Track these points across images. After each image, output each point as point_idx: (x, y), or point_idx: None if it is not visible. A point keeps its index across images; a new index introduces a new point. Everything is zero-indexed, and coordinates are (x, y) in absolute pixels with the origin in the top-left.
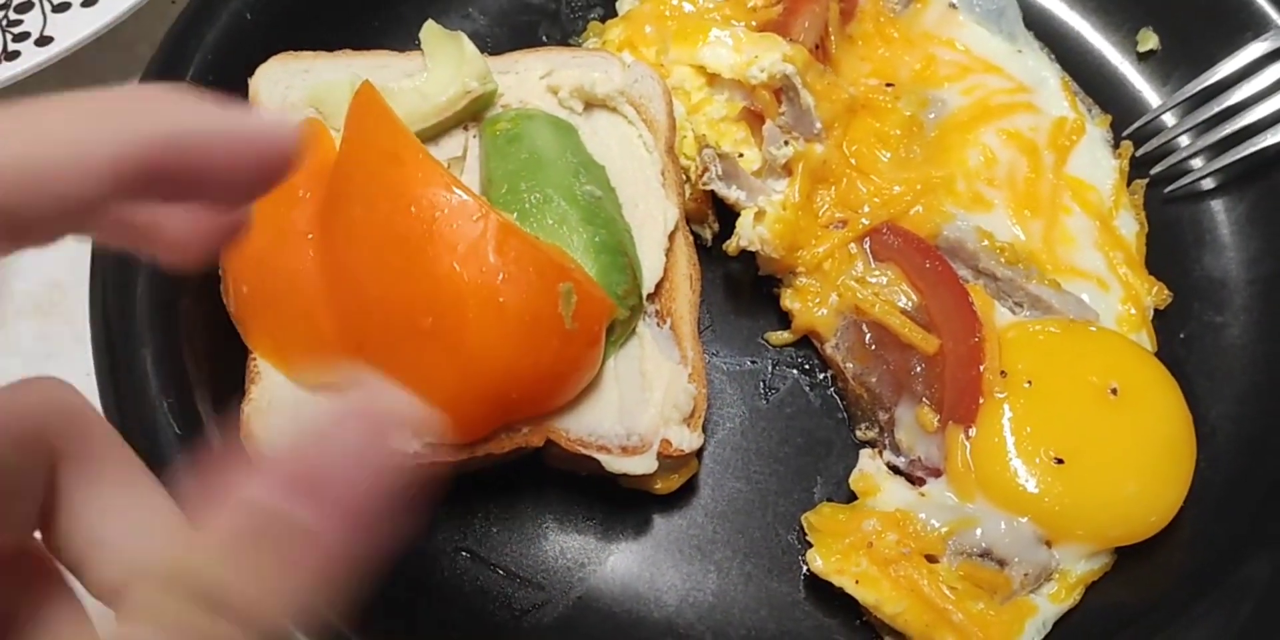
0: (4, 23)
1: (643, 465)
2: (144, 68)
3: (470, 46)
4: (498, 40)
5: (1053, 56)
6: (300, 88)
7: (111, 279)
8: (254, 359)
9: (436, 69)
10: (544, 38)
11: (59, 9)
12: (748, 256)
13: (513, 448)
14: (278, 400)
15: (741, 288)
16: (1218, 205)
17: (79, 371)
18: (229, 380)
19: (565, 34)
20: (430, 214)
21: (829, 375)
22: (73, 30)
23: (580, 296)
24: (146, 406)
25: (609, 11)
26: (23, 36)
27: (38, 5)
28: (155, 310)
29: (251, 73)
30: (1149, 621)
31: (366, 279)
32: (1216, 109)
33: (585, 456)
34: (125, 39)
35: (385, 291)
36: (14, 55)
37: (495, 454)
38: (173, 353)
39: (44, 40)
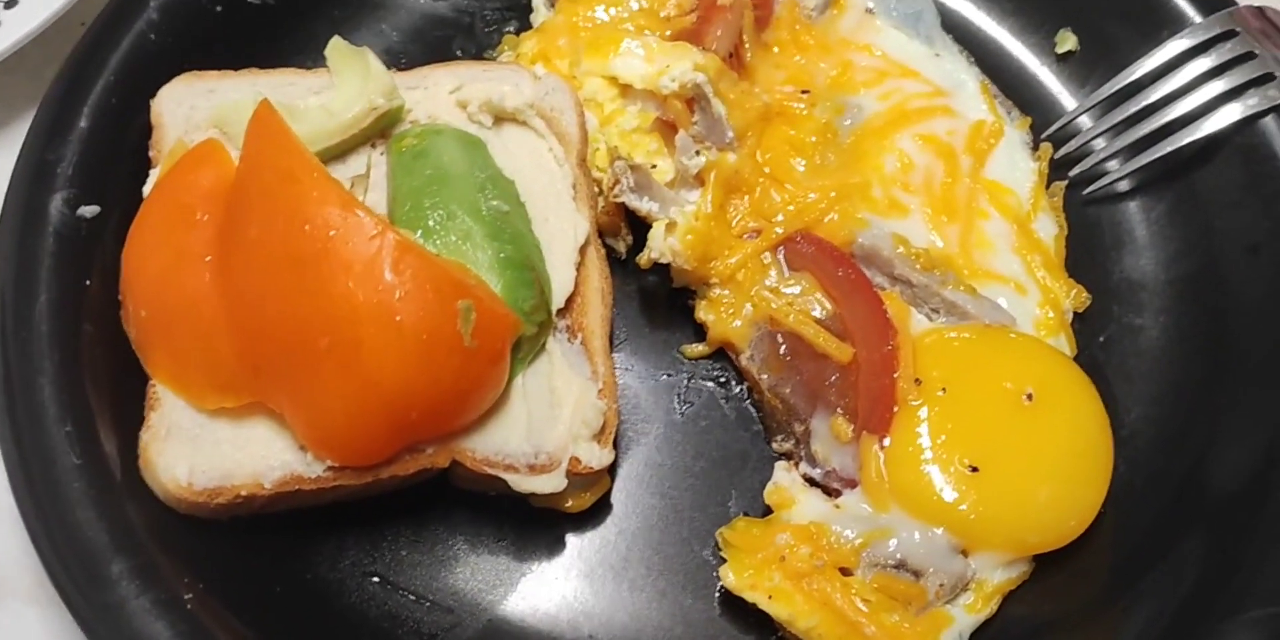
0: None
1: (551, 484)
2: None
3: (376, 62)
4: (412, 56)
5: (971, 59)
6: (205, 108)
7: (11, 305)
8: (153, 385)
9: (343, 86)
10: (459, 52)
11: None
12: (662, 269)
13: (417, 469)
14: (176, 426)
15: (656, 300)
16: (1136, 206)
17: None
18: (132, 408)
19: (480, 48)
20: (325, 233)
21: (745, 387)
22: None
23: (481, 313)
24: (43, 433)
25: (524, 24)
26: None
27: None
28: (55, 337)
29: (156, 94)
30: (1068, 628)
31: (263, 300)
32: (1134, 109)
33: (492, 476)
34: (33, 63)
35: (282, 312)
36: None
37: (400, 476)
38: (73, 380)
39: None
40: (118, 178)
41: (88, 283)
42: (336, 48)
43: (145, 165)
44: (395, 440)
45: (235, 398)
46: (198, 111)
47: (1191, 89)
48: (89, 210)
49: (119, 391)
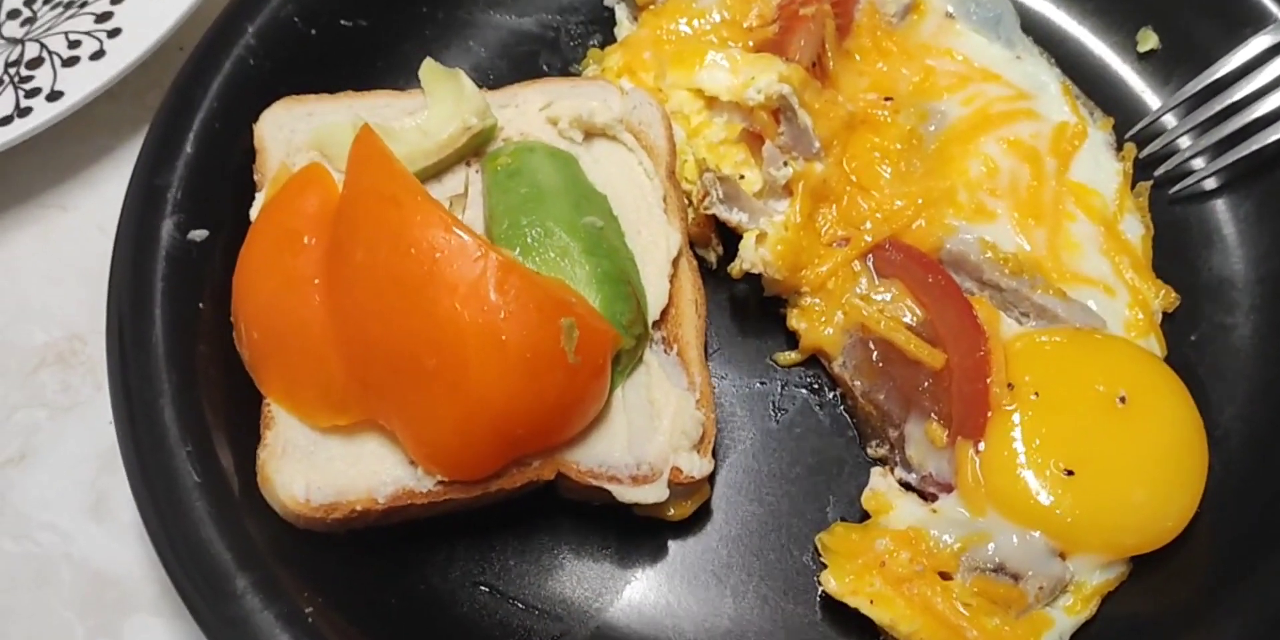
0: (15, 79)
1: (654, 494)
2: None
3: (469, 83)
4: (499, 71)
5: (1052, 61)
6: (304, 131)
7: (129, 329)
8: (268, 404)
9: (436, 106)
10: (545, 67)
11: (68, 63)
12: (753, 278)
13: (524, 482)
14: (291, 444)
15: (748, 309)
16: (1223, 204)
17: (101, 420)
18: (246, 426)
19: (565, 62)
20: (430, 255)
21: (838, 394)
22: (83, 84)
23: (583, 330)
24: (166, 454)
25: (608, 38)
26: (34, 92)
27: (48, 61)
28: (172, 359)
29: (257, 118)
30: (1168, 629)
31: (371, 322)
32: (1218, 107)
33: (597, 488)
34: (135, 88)
35: (389, 334)
36: (26, 111)
37: (507, 489)
38: (191, 401)
39: (55, 95)
40: (224, 201)
41: (200, 305)
42: (430, 69)
43: (250, 188)
44: (502, 455)
45: (347, 416)
46: (298, 135)
47: (1276, 86)
48: (198, 234)
49: (235, 411)
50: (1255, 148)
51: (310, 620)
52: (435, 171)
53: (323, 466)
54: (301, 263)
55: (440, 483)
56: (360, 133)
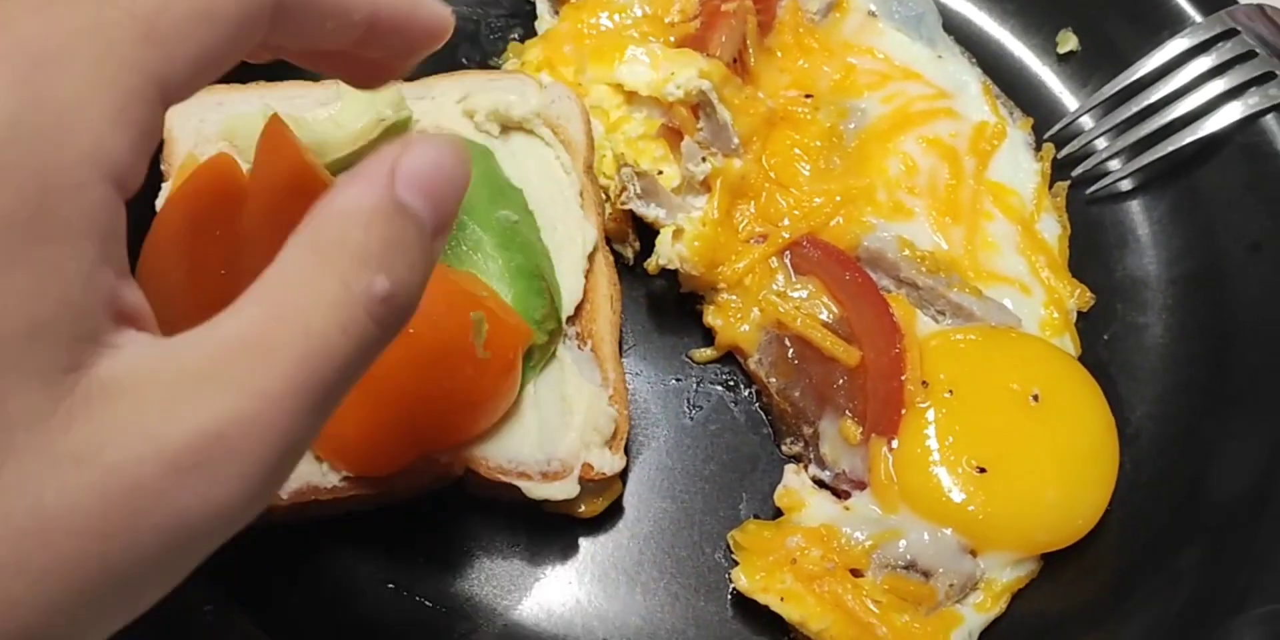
0: None
1: (564, 490)
2: None
3: None
4: (417, 65)
5: (973, 61)
6: (214, 121)
7: None
8: None
9: (350, 97)
10: (464, 61)
11: None
12: (670, 274)
13: (432, 478)
14: None
15: (664, 306)
16: (1138, 206)
17: None
18: None
19: (485, 55)
20: None
21: (753, 391)
22: None
23: (493, 324)
24: None
25: (528, 31)
26: None
27: None
28: None
29: None
30: (1077, 625)
31: None
32: (1135, 109)
33: (506, 484)
34: None
35: None
36: None
37: (415, 485)
38: None
39: None
40: None
41: None
42: None
43: (158, 179)
44: (410, 451)
45: None
46: (207, 124)
47: (1192, 88)
48: None
49: None
50: (1170, 150)
51: (209, 618)
52: (348, 164)
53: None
54: (208, 253)
55: (345, 479)
56: (269, 121)
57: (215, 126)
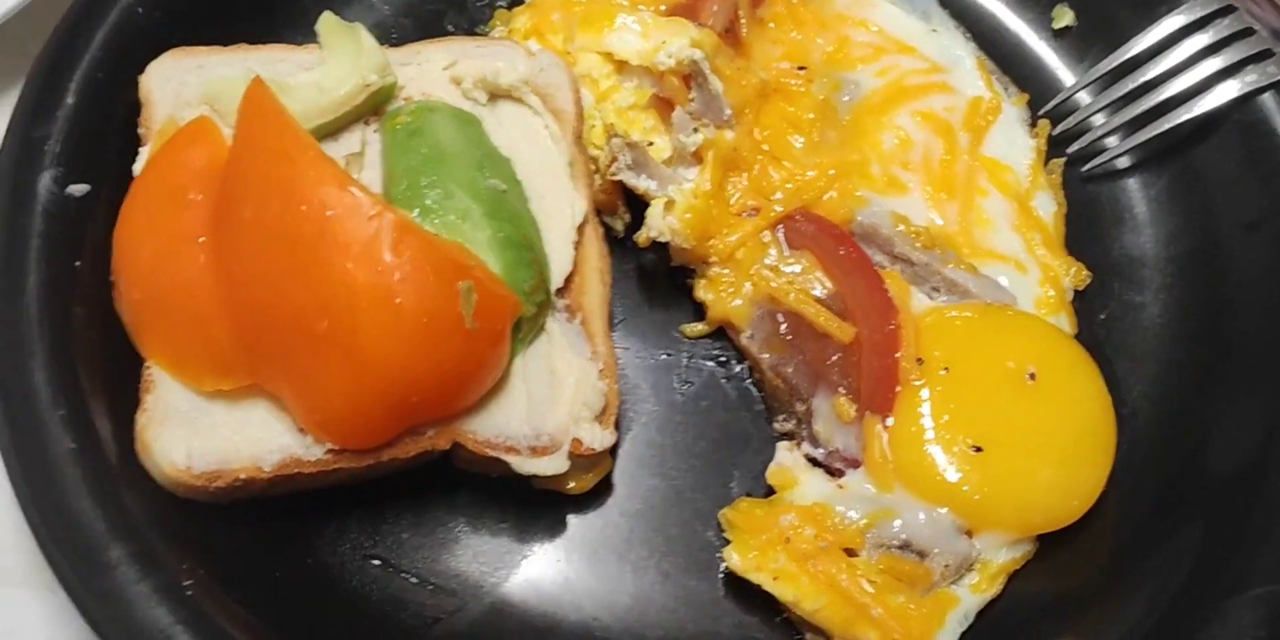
0: None
1: (553, 466)
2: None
3: (369, 38)
4: (403, 31)
5: (968, 35)
6: (194, 84)
7: None
8: (149, 367)
9: (334, 62)
10: (450, 27)
11: None
12: (661, 247)
13: (418, 452)
14: (173, 409)
15: (655, 279)
16: (1135, 183)
17: None
18: (127, 392)
19: (472, 23)
20: (322, 213)
21: (745, 367)
22: None
23: (481, 294)
24: (37, 419)
25: None
26: None
27: None
28: (45, 319)
29: (144, 70)
30: (1073, 606)
31: (259, 282)
32: (1131, 85)
33: (494, 459)
34: (17, 38)
35: (278, 295)
36: None
37: (400, 459)
38: (65, 363)
39: None
40: (107, 156)
41: (78, 264)
42: (328, 23)
43: (135, 143)
44: (395, 423)
45: (232, 380)
46: (187, 88)
47: (1190, 66)
48: (78, 189)
49: (114, 375)
50: (1167, 127)
51: (189, 592)
52: (332, 129)
53: (206, 433)
54: (187, 220)
55: (330, 451)
56: (251, 85)
57: (195, 90)
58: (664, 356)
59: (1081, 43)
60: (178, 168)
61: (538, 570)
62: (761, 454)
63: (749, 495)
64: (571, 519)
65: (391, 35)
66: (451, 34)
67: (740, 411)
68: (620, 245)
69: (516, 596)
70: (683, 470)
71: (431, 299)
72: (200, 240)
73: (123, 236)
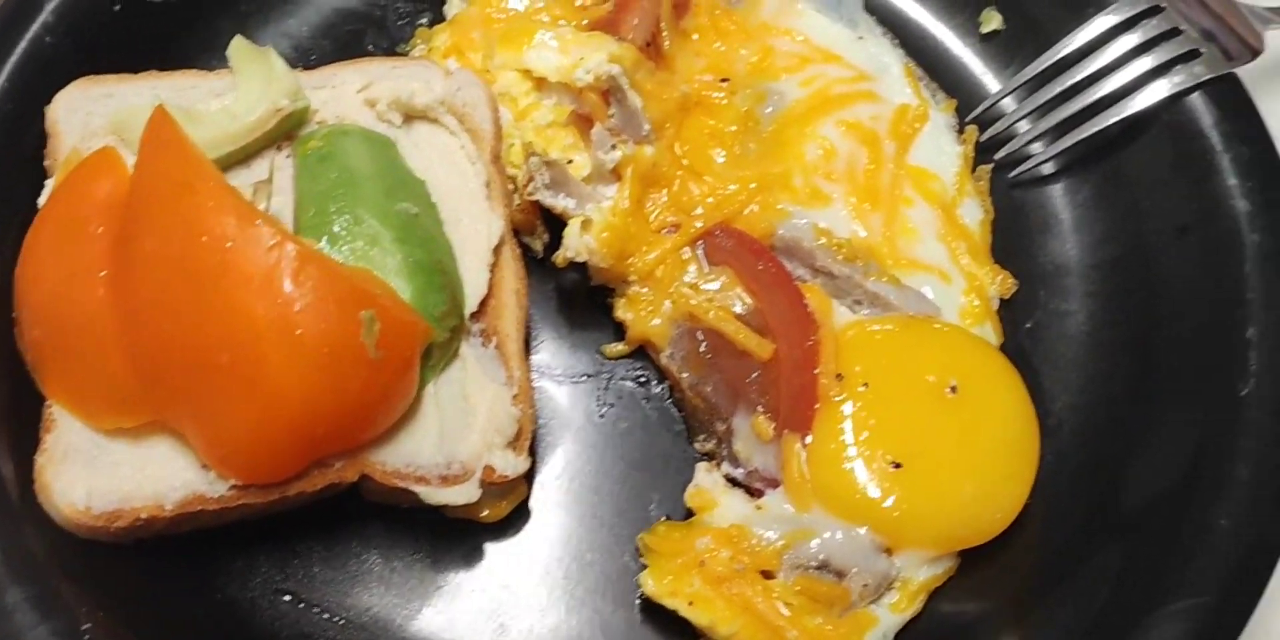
0: None
1: (464, 494)
2: None
3: (280, 62)
4: (322, 52)
5: (895, 41)
6: (102, 114)
7: None
8: (49, 406)
9: (245, 87)
10: (370, 47)
11: None
12: (580, 267)
13: (325, 485)
14: (73, 448)
15: (574, 299)
16: (1061, 190)
17: None
18: (28, 431)
19: (393, 42)
20: (222, 244)
21: (666, 386)
22: None
23: (387, 322)
24: None
25: (437, 17)
26: None
27: None
28: None
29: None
30: (995, 624)
31: (160, 316)
32: (1058, 89)
33: (403, 489)
34: None
35: (180, 328)
36: None
37: (307, 492)
38: None
39: None
40: (12, 189)
41: None
42: (238, 48)
43: (42, 176)
44: (301, 456)
45: (133, 417)
46: (95, 118)
47: (1117, 67)
48: None
49: (14, 414)
50: (1095, 130)
51: (87, 637)
52: (243, 156)
53: (106, 472)
54: (88, 253)
55: (234, 487)
56: (153, 114)
57: (103, 119)
58: (584, 378)
59: (1010, 46)
60: (80, 200)
61: (452, 602)
62: (682, 475)
63: (669, 518)
64: (487, 548)
65: (310, 57)
66: (371, 54)
67: (661, 432)
68: (539, 266)
69: (430, 629)
70: (601, 494)
71: (333, 329)
72: (102, 274)
73: (24, 272)
